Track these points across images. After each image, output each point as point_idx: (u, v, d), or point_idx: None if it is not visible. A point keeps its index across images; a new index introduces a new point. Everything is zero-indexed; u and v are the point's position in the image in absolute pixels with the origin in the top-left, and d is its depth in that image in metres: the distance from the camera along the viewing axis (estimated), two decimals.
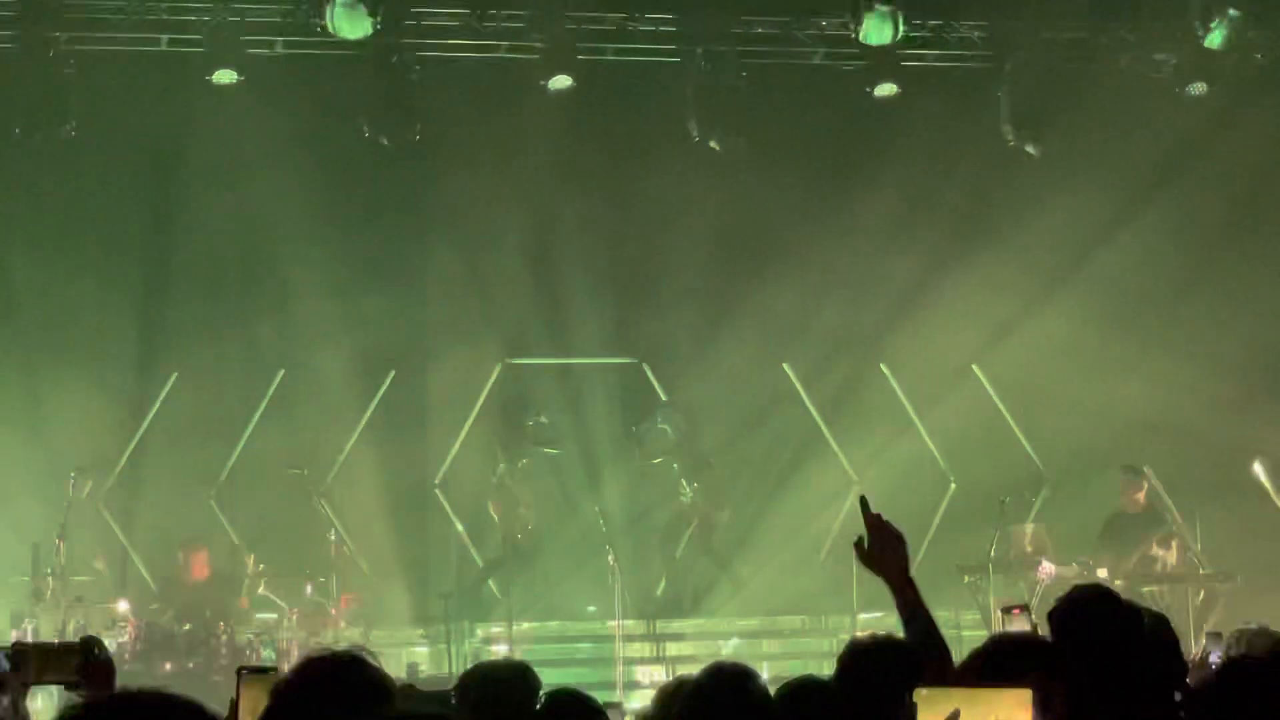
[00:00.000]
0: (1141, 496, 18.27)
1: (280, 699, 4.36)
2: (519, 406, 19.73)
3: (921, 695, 4.27)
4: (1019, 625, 8.57)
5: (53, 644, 5.72)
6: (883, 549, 6.16)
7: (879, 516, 6.21)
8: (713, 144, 19.59)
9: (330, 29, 18.24)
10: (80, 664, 5.56)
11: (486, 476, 19.68)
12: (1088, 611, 5.71)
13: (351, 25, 18.19)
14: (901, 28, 18.96)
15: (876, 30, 18.87)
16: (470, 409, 20.26)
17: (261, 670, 5.23)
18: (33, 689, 5.86)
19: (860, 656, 5.92)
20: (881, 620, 18.08)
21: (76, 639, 5.78)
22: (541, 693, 7.10)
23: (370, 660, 4.50)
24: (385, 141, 19.05)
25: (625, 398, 20.44)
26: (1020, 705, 4.21)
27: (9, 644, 7.27)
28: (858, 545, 6.19)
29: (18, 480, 18.05)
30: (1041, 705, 4.36)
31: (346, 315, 19.42)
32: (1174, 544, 17.97)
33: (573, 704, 6.83)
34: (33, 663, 5.63)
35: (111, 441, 19.16)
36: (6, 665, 7.24)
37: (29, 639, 15.74)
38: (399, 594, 19.35)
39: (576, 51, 19.29)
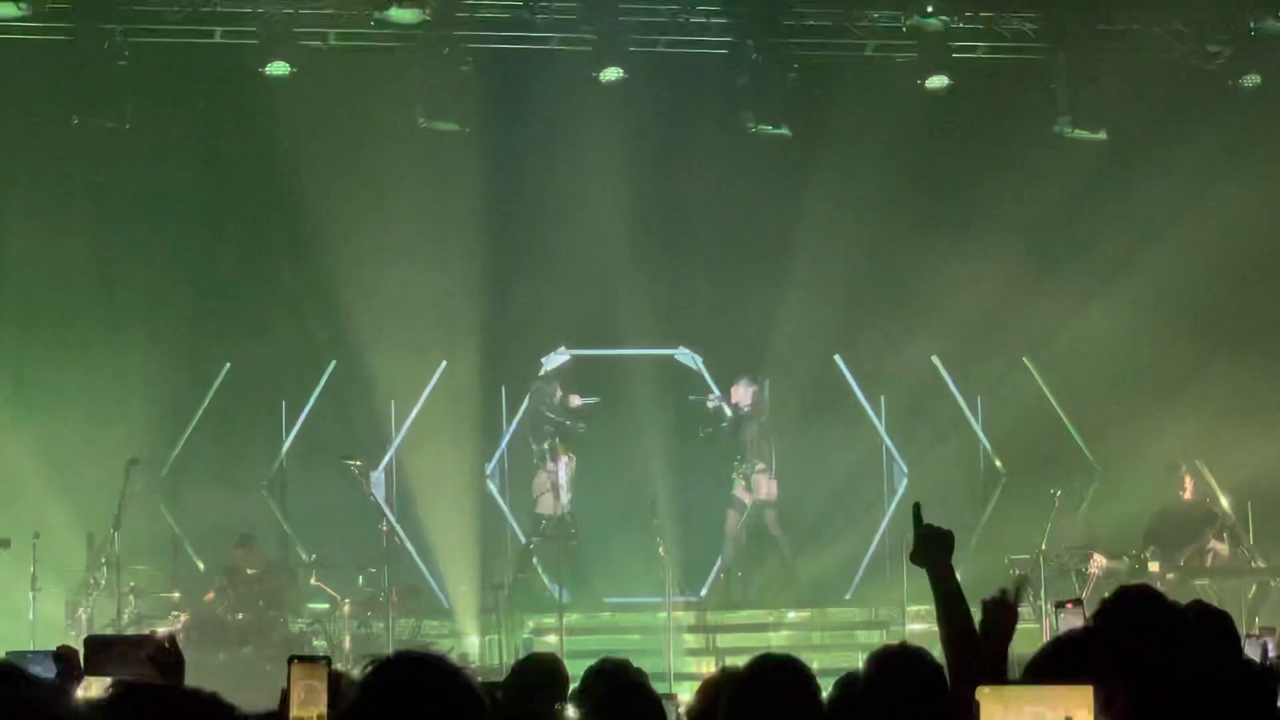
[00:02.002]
0: (1190, 490, 18.18)
1: (368, 694, 4.30)
2: (541, 390, 19.83)
3: (984, 693, 4.28)
4: (1073, 619, 8.55)
5: (125, 636, 5.79)
6: (927, 553, 6.34)
7: (929, 526, 6.36)
8: (784, 130, 19.52)
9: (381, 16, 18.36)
10: (151, 656, 5.61)
11: (529, 461, 19.81)
12: (1130, 613, 5.69)
13: (402, 11, 18.31)
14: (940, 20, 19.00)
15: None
16: (521, 399, 20.29)
17: (312, 659, 5.25)
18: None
19: (884, 665, 5.91)
20: (932, 612, 18.11)
21: (132, 629, 5.85)
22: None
23: (462, 667, 4.43)
24: (452, 126, 19.06)
25: (677, 387, 20.41)
26: (1082, 702, 4.21)
27: (55, 647, 7.39)
28: (911, 556, 6.43)
29: (74, 471, 18.16)
30: (1104, 703, 4.35)
31: (398, 306, 19.49)
32: (1225, 537, 17.87)
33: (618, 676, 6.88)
34: (106, 655, 5.69)
35: (165, 432, 19.24)
36: (55, 667, 7.33)
37: (85, 630, 15.86)
38: (450, 584, 19.41)
39: (628, 43, 19.32)
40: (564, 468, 19.61)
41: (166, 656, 5.62)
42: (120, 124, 18.44)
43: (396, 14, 18.35)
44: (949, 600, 6.22)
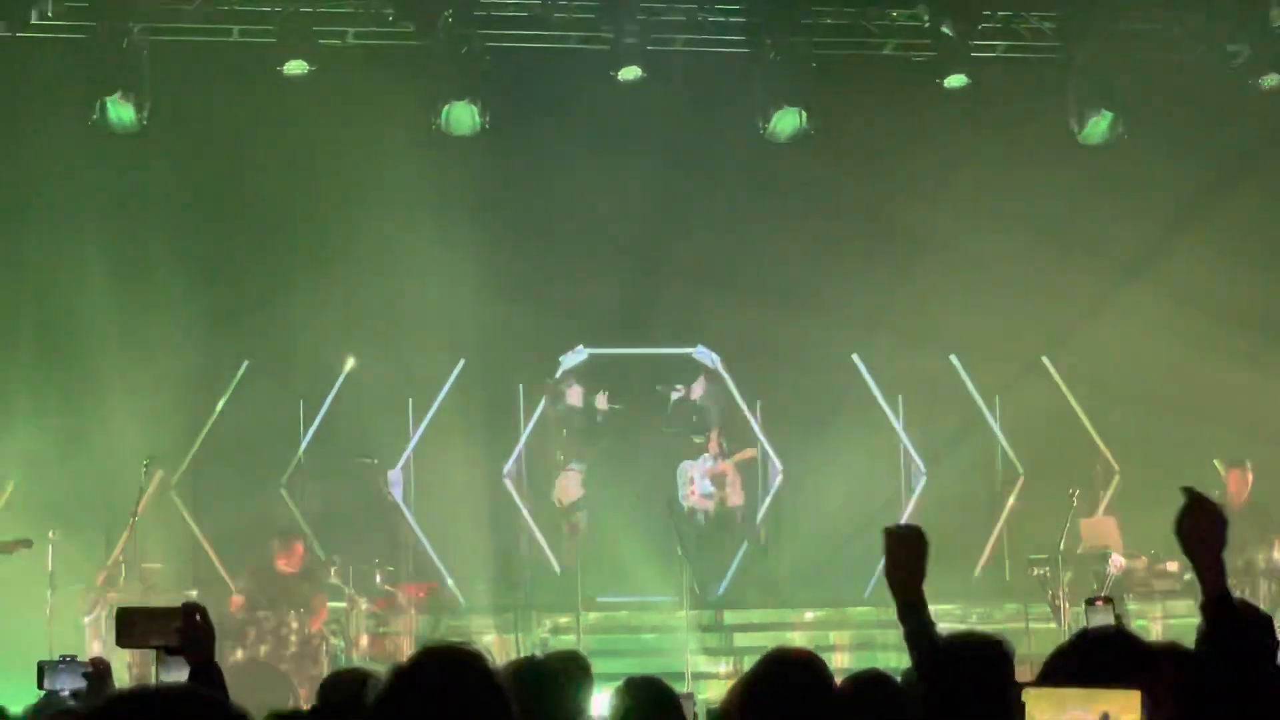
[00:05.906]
0: (1245, 490, 17.87)
1: (400, 684, 4.27)
2: (561, 392, 19.89)
3: (1030, 695, 4.25)
4: (1102, 616, 8.55)
5: (155, 608, 5.73)
6: (1198, 527, 5.22)
7: (1201, 497, 5.23)
8: (799, 110, 19.45)
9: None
10: (180, 627, 5.57)
11: (553, 465, 19.81)
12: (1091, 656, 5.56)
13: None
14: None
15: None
16: (538, 398, 20.28)
17: None
18: None
19: (954, 651, 5.86)
20: (949, 611, 18.06)
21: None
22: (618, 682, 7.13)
23: (494, 667, 4.38)
24: (469, 124, 19.04)
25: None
26: (1129, 707, 4.19)
27: (87, 659, 7.39)
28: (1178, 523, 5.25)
29: (92, 469, 18.15)
30: (1149, 706, 4.31)
31: (417, 304, 19.48)
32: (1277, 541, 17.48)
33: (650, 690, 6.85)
34: (136, 625, 5.66)
35: (183, 430, 19.23)
36: (83, 684, 7.31)
37: (102, 629, 15.83)
38: (467, 583, 19.40)
39: (646, 42, 19.28)
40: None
41: (196, 628, 5.58)
42: (138, 123, 18.44)
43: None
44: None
